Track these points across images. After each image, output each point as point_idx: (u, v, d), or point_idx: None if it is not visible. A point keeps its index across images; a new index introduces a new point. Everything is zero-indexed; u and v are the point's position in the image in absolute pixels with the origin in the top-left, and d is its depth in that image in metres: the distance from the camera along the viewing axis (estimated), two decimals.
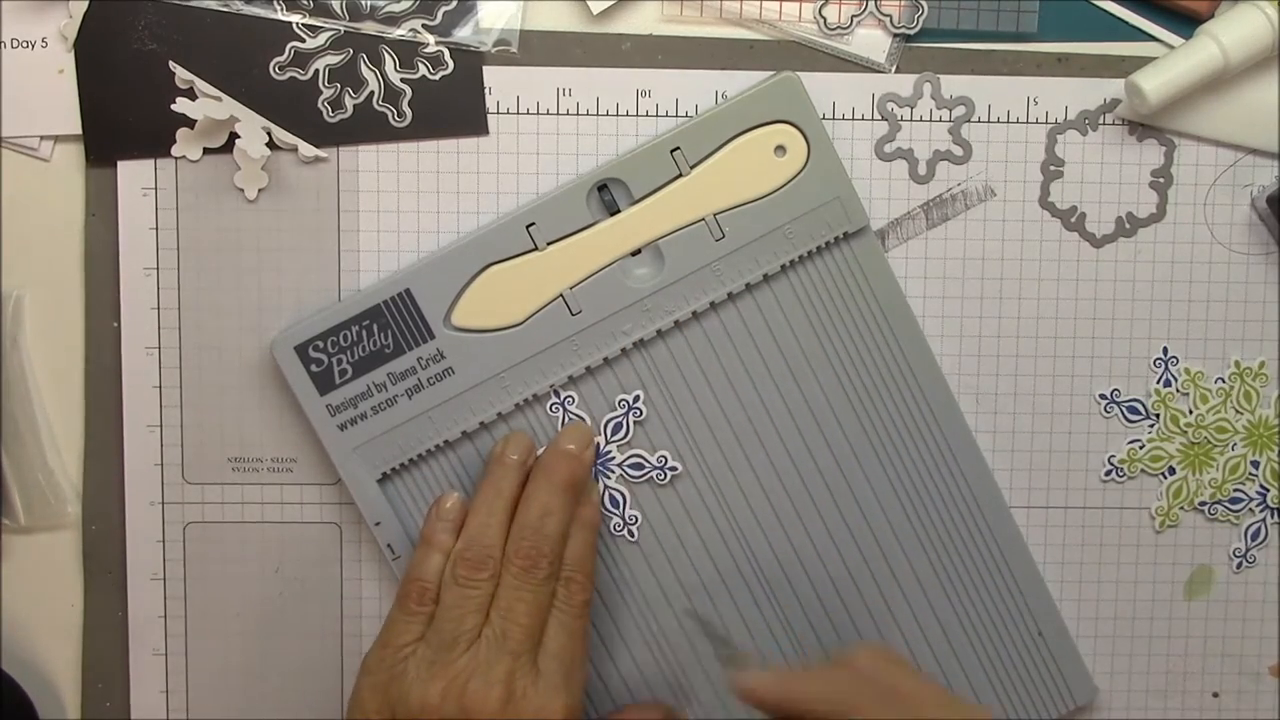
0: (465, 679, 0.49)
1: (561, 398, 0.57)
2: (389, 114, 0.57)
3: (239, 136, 0.56)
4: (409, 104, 0.57)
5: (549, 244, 0.56)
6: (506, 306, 0.56)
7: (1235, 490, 0.61)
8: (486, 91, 0.58)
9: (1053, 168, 0.59)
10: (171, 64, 0.56)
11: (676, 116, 0.58)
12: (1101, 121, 0.59)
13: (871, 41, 0.58)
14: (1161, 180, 0.60)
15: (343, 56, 0.57)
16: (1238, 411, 0.61)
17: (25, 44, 0.57)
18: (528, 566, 0.51)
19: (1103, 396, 0.60)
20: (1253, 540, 0.61)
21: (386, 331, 0.56)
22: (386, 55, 0.57)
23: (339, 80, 0.57)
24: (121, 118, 0.57)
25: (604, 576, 0.58)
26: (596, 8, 0.57)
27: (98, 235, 0.58)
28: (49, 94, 0.57)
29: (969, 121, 0.59)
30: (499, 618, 0.50)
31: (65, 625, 0.59)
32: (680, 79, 0.58)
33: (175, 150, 0.57)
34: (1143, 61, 0.58)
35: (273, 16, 0.57)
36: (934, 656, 0.60)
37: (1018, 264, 0.60)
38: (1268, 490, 0.61)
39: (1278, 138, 0.59)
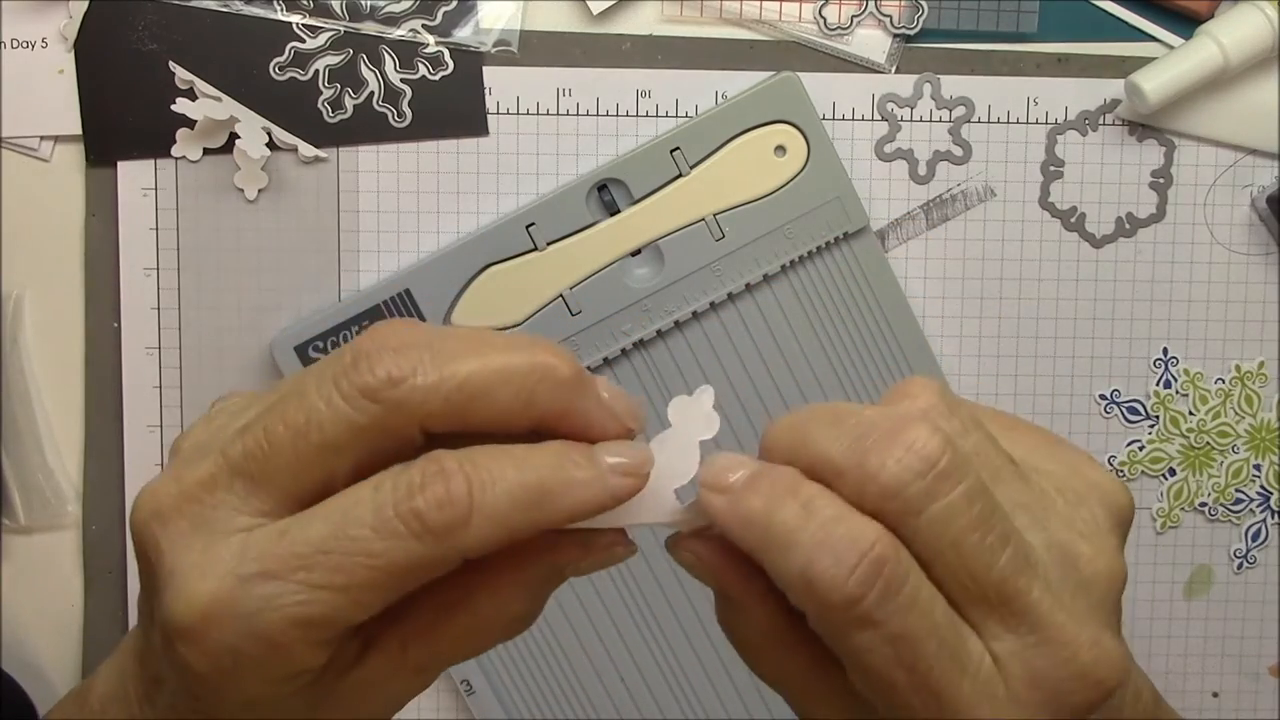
0: None
1: None
2: (389, 114, 0.57)
3: (239, 136, 0.56)
4: (409, 104, 0.57)
5: (549, 244, 0.56)
6: (506, 306, 0.56)
7: (1237, 492, 0.61)
8: (486, 92, 0.58)
9: (1053, 168, 0.59)
10: (171, 64, 0.56)
11: (676, 116, 0.58)
12: (1101, 121, 0.59)
13: (871, 41, 0.58)
14: (1161, 180, 0.60)
15: (343, 57, 0.57)
16: (1239, 415, 0.61)
17: (25, 44, 0.57)
18: None
19: (1103, 397, 0.60)
20: (1253, 541, 0.61)
21: None
22: (386, 55, 0.57)
23: (339, 80, 0.57)
24: (121, 118, 0.57)
25: (602, 577, 0.58)
26: (596, 8, 0.57)
27: (98, 235, 0.58)
28: (49, 94, 0.57)
29: (969, 122, 0.59)
30: None
31: (65, 625, 0.59)
32: (680, 79, 0.58)
33: (175, 150, 0.57)
34: (1143, 61, 0.58)
35: (273, 16, 0.57)
36: None
37: (1018, 264, 0.60)
38: (1270, 493, 0.61)
39: (1278, 138, 0.59)
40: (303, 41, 0.57)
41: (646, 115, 0.58)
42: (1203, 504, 0.61)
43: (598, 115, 0.58)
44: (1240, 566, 0.61)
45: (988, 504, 0.30)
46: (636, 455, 0.31)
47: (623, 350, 0.57)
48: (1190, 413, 0.61)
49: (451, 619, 0.32)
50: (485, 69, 0.58)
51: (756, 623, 0.32)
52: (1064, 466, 0.33)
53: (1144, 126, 0.59)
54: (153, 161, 0.57)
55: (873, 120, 0.59)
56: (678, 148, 0.56)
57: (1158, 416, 0.61)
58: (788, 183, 0.57)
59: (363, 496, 0.30)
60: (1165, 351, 0.60)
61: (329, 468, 0.30)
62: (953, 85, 0.59)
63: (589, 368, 0.57)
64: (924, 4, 0.57)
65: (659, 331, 0.57)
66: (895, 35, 0.58)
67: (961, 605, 0.30)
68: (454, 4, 0.57)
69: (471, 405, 0.30)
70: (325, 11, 0.57)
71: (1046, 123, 0.59)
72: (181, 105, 0.55)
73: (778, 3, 0.57)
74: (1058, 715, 0.30)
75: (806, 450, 0.31)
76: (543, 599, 0.33)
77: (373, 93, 0.57)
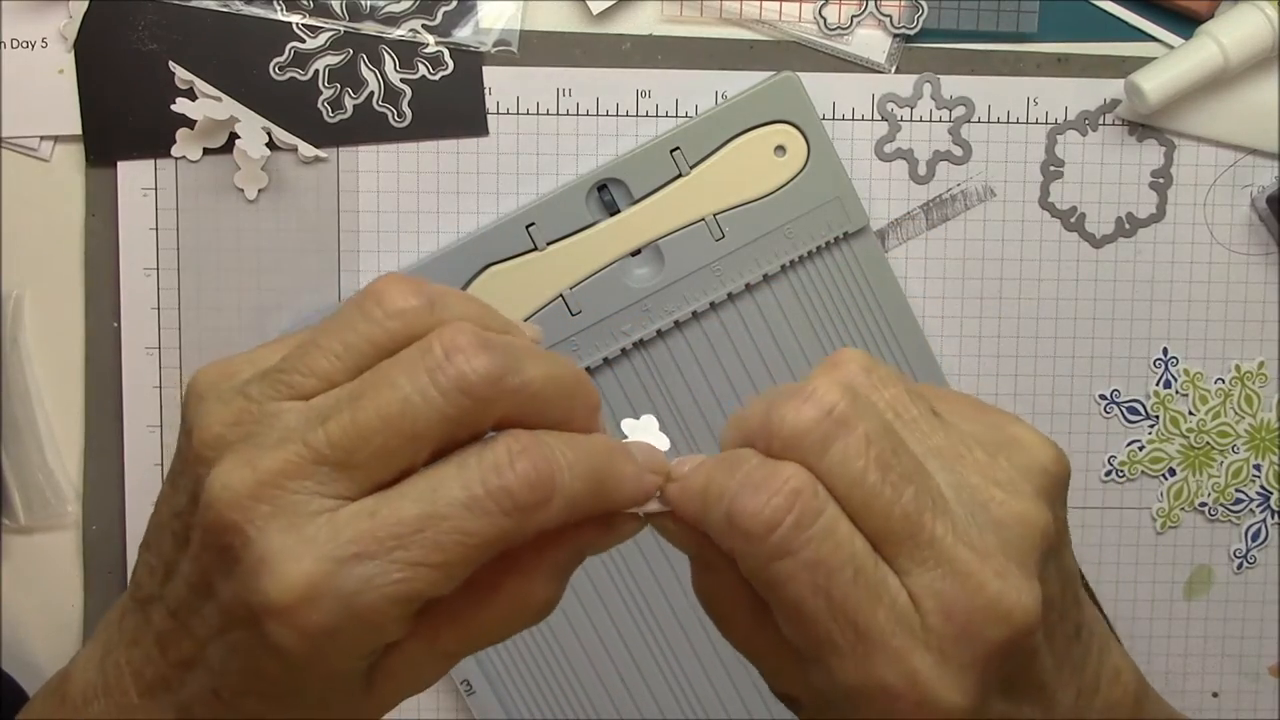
0: None
1: None
2: (389, 114, 0.57)
3: (239, 136, 0.56)
4: (409, 104, 0.57)
5: (549, 244, 0.56)
6: (506, 306, 0.56)
7: (1237, 492, 0.61)
8: (486, 91, 0.58)
9: (1053, 168, 0.59)
10: (171, 64, 0.56)
11: (676, 116, 0.58)
12: (1101, 121, 0.59)
13: (871, 41, 0.58)
14: (1161, 180, 0.60)
15: (343, 57, 0.57)
16: (1239, 415, 0.61)
17: (25, 44, 0.57)
18: None
19: (1103, 397, 0.60)
20: (1253, 541, 0.61)
21: None
22: (386, 55, 0.57)
23: (339, 80, 0.57)
24: (121, 118, 0.57)
25: (602, 577, 0.58)
26: (596, 8, 0.57)
27: (98, 235, 0.58)
28: (49, 94, 0.57)
29: (969, 122, 0.59)
30: None
31: (65, 625, 0.59)
32: (680, 79, 0.58)
33: (175, 150, 0.57)
34: (1143, 61, 0.58)
35: (273, 16, 0.57)
36: None
37: (1018, 264, 0.60)
38: (1270, 493, 0.61)
39: (1278, 138, 0.59)
40: (303, 41, 0.57)
41: (646, 115, 0.58)
42: (1203, 504, 0.61)
43: (598, 115, 0.58)
44: (1240, 566, 0.61)
45: (889, 445, 0.32)
46: (655, 457, 0.35)
47: (623, 350, 0.57)
48: (1190, 413, 0.61)
49: (484, 604, 0.33)
50: (485, 69, 0.58)
51: (726, 586, 0.34)
52: (985, 425, 0.35)
53: (1144, 126, 0.59)
54: (153, 161, 0.57)
55: (873, 120, 0.59)
56: (678, 148, 0.56)
57: (1158, 416, 0.61)
58: (788, 183, 0.57)
59: (449, 474, 0.31)
60: (1165, 351, 0.60)
61: (415, 454, 0.31)
62: (953, 85, 0.59)
63: (589, 368, 0.57)
64: (924, 4, 0.57)
65: (659, 331, 0.57)
66: (895, 35, 0.58)
67: (876, 543, 0.32)
68: (454, 4, 0.57)
69: (538, 407, 0.32)
70: (325, 11, 0.57)
71: (1046, 123, 0.59)
72: (181, 105, 0.55)
73: (778, 3, 0.57)
74: (974, 650, 0.31)
75: (739, 429, 0.34)
76: (565, 582, 0.35)
77: (373, 93, 0.57)
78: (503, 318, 0.34)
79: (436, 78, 0.57)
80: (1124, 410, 0.60)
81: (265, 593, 0.30)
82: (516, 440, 0.31)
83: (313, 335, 0.33)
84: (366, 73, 0.57)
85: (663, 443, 0.36)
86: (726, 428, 0.35)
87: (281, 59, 0.57)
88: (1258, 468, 0.61)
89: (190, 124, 0.57)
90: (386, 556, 0.30)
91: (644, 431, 0.36)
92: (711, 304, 0.57)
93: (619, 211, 0.57)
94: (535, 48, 0.58)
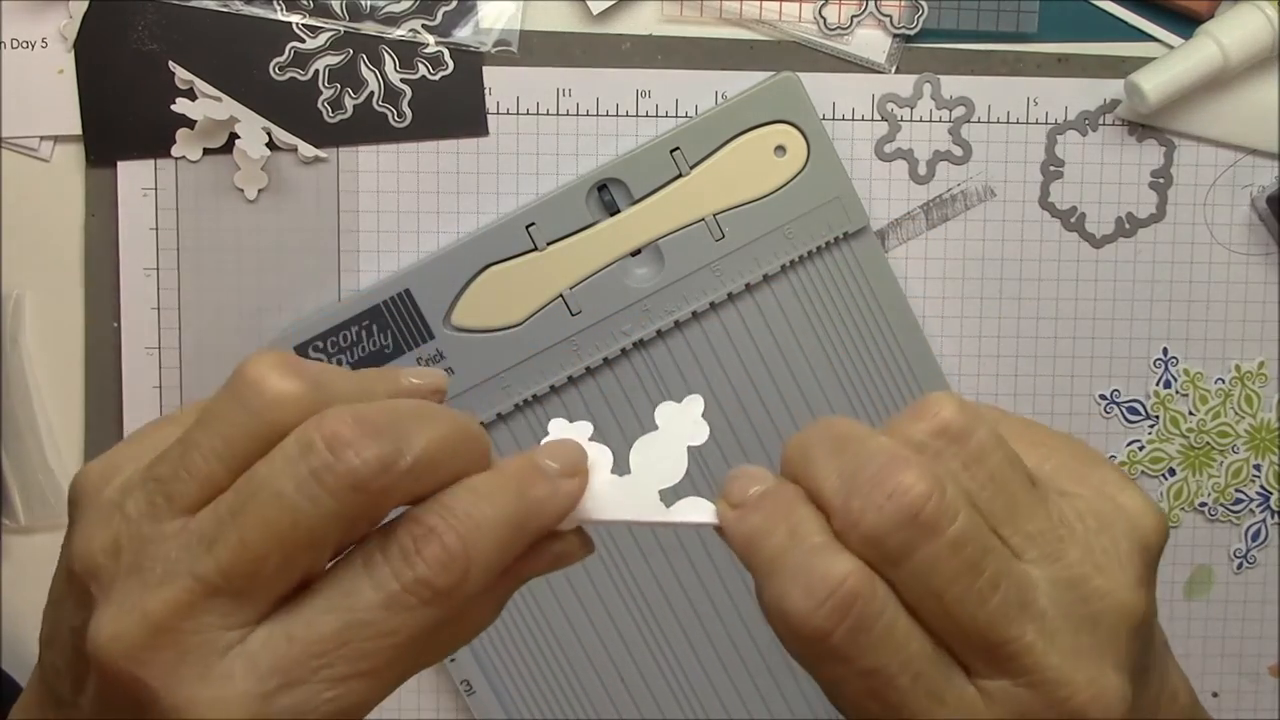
0: None
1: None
2: (389, 114, 0.57)
3: (239, 136, 0.56)
4: (409, 104, 0.57)
5: (549, 244, 0.56)
6: (506, 306, 0.56)
7: (1237, 492, 0.61)
8: (486, 92, 0.58)
9: (1053, 168, 0.59)
10: (171, 64, 0.56)
11: (676, 116, 0.58)
12: (1101, 121, 0.59)
13: (871, 42, 0.58)
14: (1161, 180, 0.60)
15: (343, 57, 0.57)
16: (1239, 415, 0.61)
17: (25, 44, 0.57)
18: None
19: (1103, 397, 0.60)
20: (1253, 541, 0.61)
21: (386, 332, 0.56)
22: (386, 55, 0.57)
23: (339, 80, 0.57)
24: (121, 118, 0.57)
25: (602, 577, 0.58)
26: (596, 8, 0.57)
27: (98, 235, 0.58)
28: (49, 94, 0.57)
29: (969, 122, 0.59)
30: None
31: None
32: (680, 79, 0.58)
33: (175, 150, 0.57)
34: (1143, 61, 0.58)
35: (273, 16, 0.57)
36: None
37: (1018, 264, 0.60)
38: (1270, 493, 0.61)
39: (1278, 138, 0.59)
40: (303, 41, 0.57)
41: (646, 115, 0.58)
42: (1203, 504, 0.61)
43: (598, 115, 0.58)
44: (1240, 566, 0.61)
45: (978, 548, 0.29)
46: (569, 455, 0.32)
47: (623, 350, 0.57)
48: (1190, 413, 0.61)
49: (431, 641, 0.32)
50: (485, 69, 0.58)
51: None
52: (1092, 489, 0.32)
53: (1144, 126, 0.59)
54: (153, 161, 0.57)
55: (873, 120, 0.59)
56: (678, 148, 0.56)
57: (1158, 416, 0.61)
58: (788, 183, 0.57)
59: (358, 576, 0.29)
60: (1165, 351, 0.60)
61: (315, 561, 0.29)
62: (953, 85, 0.59)
63: (589, 368, 0.57)
64: (924, 4, 0.57)
65: (659, 331, 0.57)
66: (895, 35, 0.58)
67: (949, 646, 0.29)
68: (454, 4, 0.57)
69: (434, 475, 0.30)
70: (325, 11, 0.57)
71: (1046, 123, 0.59)
72: (181, 105, 0.55)
73: (778, 3, 0.57)
74: None
75: (806, 475, 0.31)
76: (503, 603, 0.33)
77: (373, 93, 0.57)
78: (389, 377, 0.32)
79: (436, 78, 0.57)
80: (1124, 410, 0.60)
81: None
82: (417, 521, 0.29)
83: (190, 432, 0.30)
84: (366, 73, 0.57)
85: (697, 435, 0.33)
86: (792, 447, 0.32)
87: (281, 59, 0.57)
88: (1258, 468, 0.61)
89: (190, 124, 0.57)
90: (314, 678, 0.29)
91: (675, 418, 0.33)
92: (711, 304, 0.57)
93: (619, 211, 0.57)
94: (535, 48, 0.58)
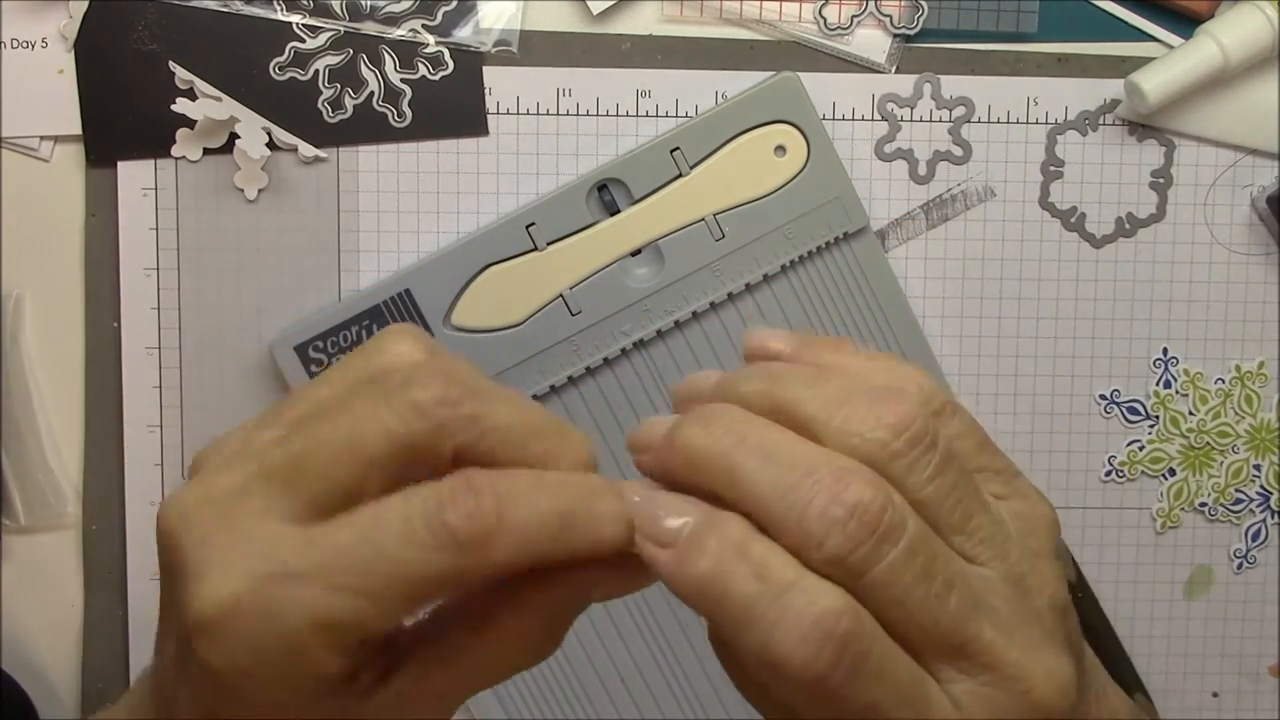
0: None
1: None
2: (389, 114, 0.57)
3: (239, 136, 0.56)
4: (409, 104, 0.57)
5: (549, 244, 0.56)
6: (506, 306, 0.56)
7: (1237, 492, 0.61)
8: (486, 91, 0.58)
9: (1053, 168, 0.59)
10: (171, 64, 0.56)
11: (676, 116, 0.58)
12: (1101, 121, 0.59)
13: (871, 41, 0.58)
14: (1161, 180, 0.60)
15: (343, 57, 0.57)
16: (1239, 415, 0.61)
17: (25, 44, 0.57)
18: None
19: (1103, 397, 0.60)
20: (1253, 541, 0.61)
21: None
22: (386, 55, 0.57)
23: (339, 80, 0.57)
24: (121, 118, 0.57)
25: None
26: (596, 8, 0.57)
27: (98, 235, 0.58)
28: (49, 94, 0.57)
29: (969, 122, 0.59)
30: None
31: (65, 625, 0.59)
32: (680, 79, 0.58)
33: (175, 150, 0.57)
34: (1143, 61, 0.58)
35: (273, 16, 0.57)
36: None
37: (1018, 264, 0.60)
38: (1270, 493, 0.61)
39: (1278, 138, 0.59)
40: (303, 41, 0.57)
41: (646, 115, 0.58)
42: (1203, 504, 0.61)
43: (598, 115, 0.58)
44: (1240, 566, 0.61)
45: (930, 553, 0.30)
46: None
47: (623, 350, 0.57)
48: (1190, 413, 0.61)
49: (474, 642, 0.32)
50: (485, 69, 0.58)
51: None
52: (1016, 492, 0.33)
53: (1144, 126, 0.59)
54: (153, 161, 0.57)
55: (873, 120, 0.59)
56: (678, 148, 0.56)
57: (1158, 416, 0.61)
58: (788, 183, 0.57)
59: (392, 505, 0.30)
60: (1165, 351, 0.60)
61: (364, 479, 0.30)
62: (953, 85, 0.59)
63: (589, 368, 0.57)
64: (924, 4, 0.57)
65: (659, 331, 0.57)
66: (895, 35, 0.58)
67: (916, 652, 0.30)
68: (454, 4, 0.57)
69: (507, 449, 0.31)
70: (325, 11, 0.57)
71: (1046, 123, 0.59)
72: (181, 105, 0.55)
73: (778, 3, 0.57)
74: None
75: (734, 490, 0.30)
76: (565, 625, 0.32)
77: (373, 93, 0.57)
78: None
79: (436, 78, 0.57)
80: (1124, 410, 0.60)
81: (192, 607, 0.29)
82: (465, 476, 0.30)
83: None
84: (366, 73, 0.57)
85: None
86: (702, 460, 0.31)
87: (281, 59, 0.57)
88: (1258, 468, 0.61)
89: (190, 124, 0.57)
90: (315, 580, 0.29)
91: None
92: (711, 304, 0.57)
93: (619, 211, 0.57)
94: (535, 48, 0.58)
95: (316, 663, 0.30)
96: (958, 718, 0.30)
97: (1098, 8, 0.59)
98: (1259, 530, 0.61)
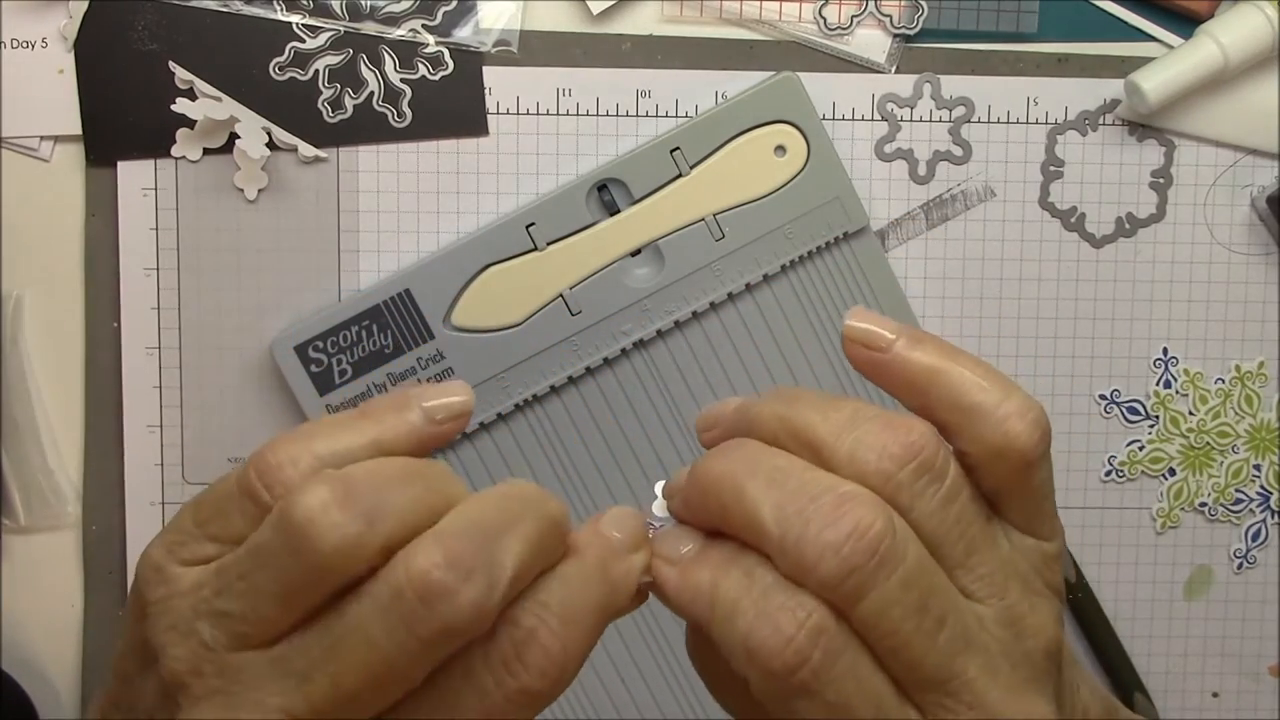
0: None
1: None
2: (389, 114, 0.57)
3: (239, 136, 0.56)
4: (409, 104, 0.57)
5: (549, 244, 0.56)
6: (506, 306, 0.56)
7: (1237, 492, 0.61)
8: (486, 91, 0.58)
9: (1053, 168, 0.59)
10: (171, 64, 0.56)
11: (676, 116, 0.58)
12: (1101, 121, 0.59)
13: (871, 42, 0.58)
14: (1161, 180, 0.60)
15: (343, 57, 0.57)
16: (1239, 415, 0.61)
17: (25, 44, 0.57)
18: None
19: (1103, 397, 0.60)
20: (1253, 541, 0.61)
21: (386, 332, 0.56)
22: (386, 55, 0.57)
23: (339, 80, 0.57)
24: (121, 118, 0.57)
25: None
26: (596, 8, 0.57)
27: (98, 235, 0.58)
28: (49, 94, 0.57)
29: (969, 122, 0.59)
30: None
31: (65, 625, 0.59)
32: (680, 79, 0.58)
33: (175, 150, 0.57)
34: (1143, 61, 0.58)
35: (273, 16, 0.57)
36: None
37: (1018, 264, 0.60)
38: (1270, 493, 0.61)
39: (1278, 138, 0.59)
40: (303, 41, 0.57)
41: (646, 115, 0.58)
42: (1203, 504, 0.61)
43: (598, 115, 0.58)
44: (1240, 566, 0.61)
45: (927, 586, 0.30)
46: (631, 527, 0.33)
47: (623, 350, 0.57)
48: (1190, 413, 0.61)
49: None
50: (485, 69, 0.58)
51: (724, 662, 0.32)
52: (1027, 524, 0.34)
53: (1144, 126, 0.59)
54: (153, 161, 0.57)
55: (873, 120, 0.59)
56: (678, 148, 0.56)
57: (1158, 416, 0.61)
58: (788, 183, 0.57)
59: (459, 688, 0.29)
60: (1165, 351, 0.60)
61: (410, 689, 0.30)
62: (953, 85, 0.59)
63: (589, 368, 0.57)
64: (924, 4, 0.57)
65: (659, 331, 0.57)
66: (895, 35, 0.58)
67: (900, 681, 0.30)
68: (454, 4, 0.57)
69: (525, 585, 0.31)
70: (325, 11, 0.57)
71: (1046, 123, 0.59)
72: (181, 105, 0.55)
73: (778, 3, 0.57)
74: None
75: (740, 509, 0.31)
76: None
77: (373, 93, 0.57)
78: (440, 475, 0.31)
79: (436, 78, 0.57)
80: (1124, 410, 0.60)
81: None
82: (516, 626, 0.29)
83: (252, 574, 0.29)
84: (366, 73, 0.57)
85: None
86: (711, 476, 0.32)
87: (281, 59, 0.57)
88: (1258, 468, 0.61)
89: (190, 124, 0.57)
90: None
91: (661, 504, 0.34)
92: (711, 304, 0.57)
93: (619, 211, 0.57)
94: (535, 48, 0.58)
95: None
96: None
97: (1098, 8, 0.59)
98: (1259, 530, 0.61)
